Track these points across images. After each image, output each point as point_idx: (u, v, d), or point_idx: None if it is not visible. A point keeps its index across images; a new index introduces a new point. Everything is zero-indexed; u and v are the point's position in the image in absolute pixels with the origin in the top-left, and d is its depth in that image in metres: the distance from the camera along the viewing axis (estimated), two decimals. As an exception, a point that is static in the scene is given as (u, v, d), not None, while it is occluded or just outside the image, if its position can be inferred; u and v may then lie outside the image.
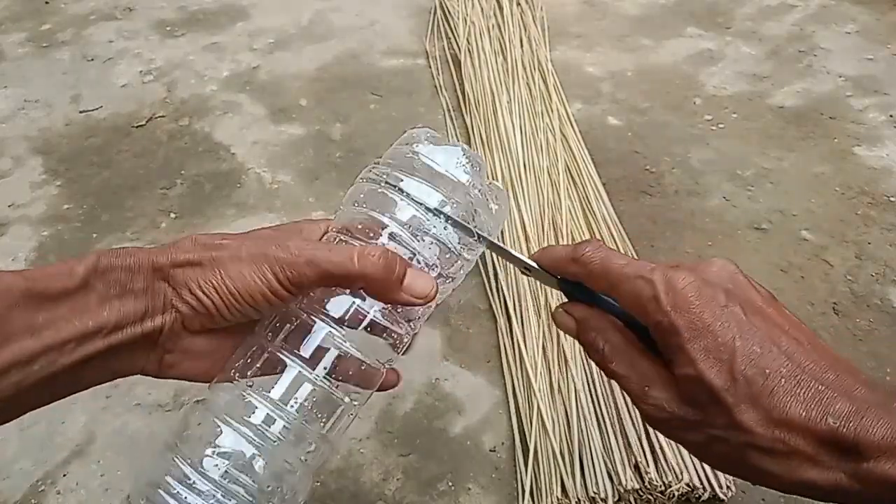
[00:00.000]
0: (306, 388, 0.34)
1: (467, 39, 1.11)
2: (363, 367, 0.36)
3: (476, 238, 0.37)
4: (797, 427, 0.28)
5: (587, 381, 0.64)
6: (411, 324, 0.38)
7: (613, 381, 0.33)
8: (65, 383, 0.32)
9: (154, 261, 0.33)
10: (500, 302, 0.73)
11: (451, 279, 0.38)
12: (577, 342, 0.36)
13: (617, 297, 0.34)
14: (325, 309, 0.35)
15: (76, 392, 0.33)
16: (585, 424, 0.61)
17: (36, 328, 0.30)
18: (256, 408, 0.34)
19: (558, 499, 0.56)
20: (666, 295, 0.31)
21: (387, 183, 0.37)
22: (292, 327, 0.35)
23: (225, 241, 0.34)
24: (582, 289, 0.36)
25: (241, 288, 0.33)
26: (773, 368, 0.29)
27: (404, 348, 0.39)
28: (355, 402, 0.37)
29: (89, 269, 0.32)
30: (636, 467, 0.58)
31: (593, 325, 0.35)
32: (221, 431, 0.33)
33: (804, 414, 0.28)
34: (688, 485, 0.56)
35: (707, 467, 0.57)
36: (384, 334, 0.37)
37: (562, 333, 0.66)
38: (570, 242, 0.77)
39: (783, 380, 0.28)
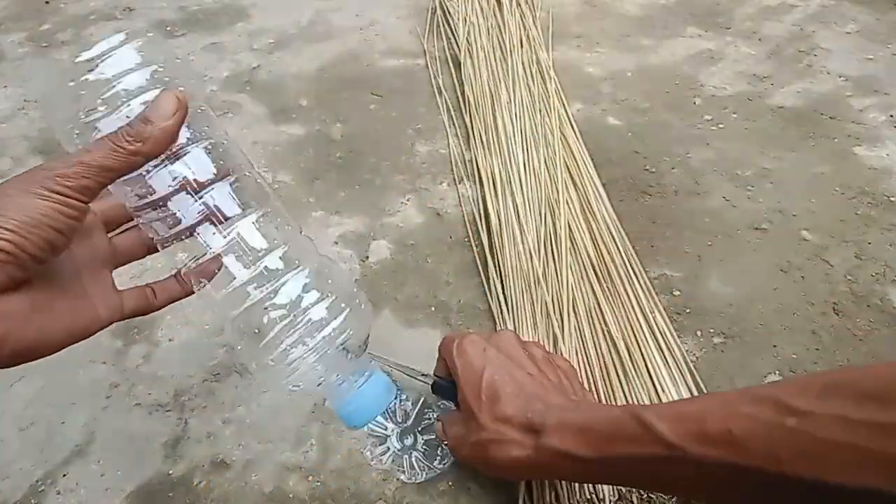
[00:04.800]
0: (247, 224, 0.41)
1: (467, 40, 1.11)
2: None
3: None
4: (509, 420, 0.43)
5: (587, 382, 0.64)
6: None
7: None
8: None
9: None
10: (500, 302, 0.73)
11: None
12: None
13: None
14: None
15: None
16: (585, 424, 0.61)
17: None
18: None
19: (558, 499, 0.56)
20: (456, 347, 0.50)
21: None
22: (167, 213, 0.39)
23: None
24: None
25: (32, 216, 0.31)
26: (501, 386, 0.45)
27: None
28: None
29: None
30: (636, 467, 0.58)
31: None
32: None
33: (513, 412, 0.43)
34: (688, 485, 0.56)
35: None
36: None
37: (562, 333, 0.66)
38: (569, 243, 0.77)
39: (506, 393, 0.44)
